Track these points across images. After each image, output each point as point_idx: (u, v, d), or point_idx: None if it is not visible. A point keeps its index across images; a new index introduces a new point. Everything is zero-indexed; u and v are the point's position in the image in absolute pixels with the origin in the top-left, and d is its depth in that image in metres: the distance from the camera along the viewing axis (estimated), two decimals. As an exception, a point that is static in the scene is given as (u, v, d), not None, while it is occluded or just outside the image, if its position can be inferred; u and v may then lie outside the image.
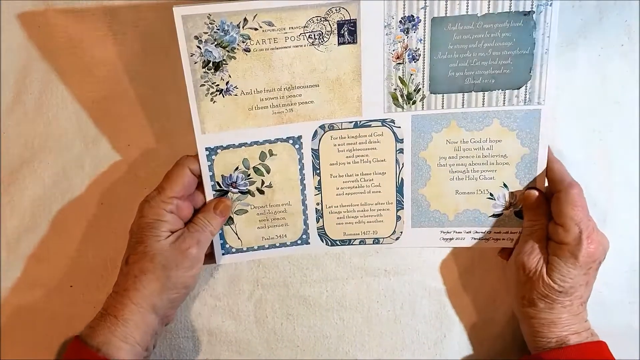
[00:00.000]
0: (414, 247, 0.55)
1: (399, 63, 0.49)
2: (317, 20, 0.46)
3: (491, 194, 0.53)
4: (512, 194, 0.53)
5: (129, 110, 0.51)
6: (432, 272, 0.56)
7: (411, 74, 0.49)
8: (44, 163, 0.52)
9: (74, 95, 0.50)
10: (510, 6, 0.47)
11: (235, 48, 0.47)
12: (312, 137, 0.51)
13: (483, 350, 0.57)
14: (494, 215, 0.54)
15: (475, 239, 0.54)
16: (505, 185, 0.52)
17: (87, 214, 0.53)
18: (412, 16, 0.47)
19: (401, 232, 0.54)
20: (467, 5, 0.47)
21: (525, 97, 0.50)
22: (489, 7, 0.47)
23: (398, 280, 0.56)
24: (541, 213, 0.50)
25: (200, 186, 0.50)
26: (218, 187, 0.51)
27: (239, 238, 0.53)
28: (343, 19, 0.47)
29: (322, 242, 0.54)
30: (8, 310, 0.54)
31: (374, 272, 0.56)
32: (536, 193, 0.51)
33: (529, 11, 0.47)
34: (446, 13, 0.47)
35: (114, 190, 0.53)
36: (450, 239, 0.54)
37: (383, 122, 0.51)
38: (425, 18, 0.47)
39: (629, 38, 0.51)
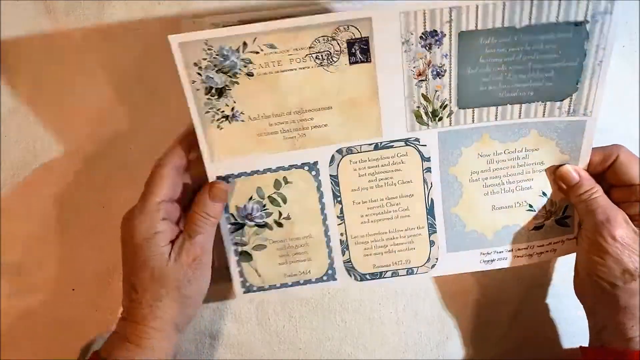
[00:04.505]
0: (451, 274, 0.50)
1: (422, 80, 0.43)
2: (323, 40, 0.41)
3: (530, 205, 0.48)
4: (551, 201, 0.48)
5: (130, 114, 0.49)
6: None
7: (436, 91, 0.44)
8: (45, 166, 0.50)
9: (75, 98, 0.48)
10: (557, 17, 0.39)
11: (237, 73, 0.43)
12: (330, 163, 0.47)
13: (486, 352, 0.57)
14: (535, 228, 0.49)
15: (518, 256, 0.50)
16: (544, 194, 0.48)
17: (89, 217, 0.52)
18: (435, 31, 0.41)
19: (437, 259, 0.50)
20: (504, 17, 0.39)
21: (570, 109, 0.44)
22: (530, 18, 0.40)
23: (400, 281, 0.53)
24: (592, 180, 0.46)
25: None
26: (233, 220, 0.48)
27: (259, 275, 0.50)
28: (353, 37, 0.41)
29: (351, 276, 0.50)
30: (9, 313, 0.54)
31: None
32: (569, 167, 0.46)
33: (581, 21, 0.39)
34: (476, 27, 0.40)
35: (115, 193, 0.51)
36: (492, 261, 0.50)
37: (407, 141, 0.46)
38: (451, 32, 0.41)
39: (630, 39, 0.48)
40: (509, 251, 0.50)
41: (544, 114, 0.44)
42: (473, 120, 0.45)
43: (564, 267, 0.53)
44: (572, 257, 0.49)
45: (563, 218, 0.49)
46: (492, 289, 0.55)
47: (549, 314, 0.57)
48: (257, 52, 0.42)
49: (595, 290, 0.45)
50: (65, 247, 0.53)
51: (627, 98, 0.50)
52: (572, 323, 0.56)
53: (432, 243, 0.49)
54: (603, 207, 0.44)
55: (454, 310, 0.56)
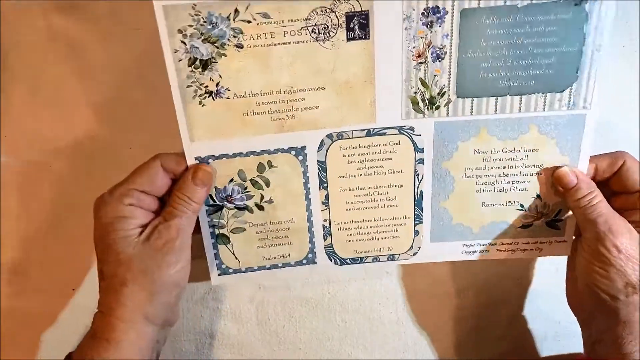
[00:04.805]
0: (432, 261, 0.49)
1: (421, 62, 0.41)
2: (321, 11, 0.39)
3: (522, 205, 0.47)
4: (545, 203, 0.46)
5: (130, 113, 0.48)
6: (434, 274, 0.54)
7: (435, 75, 0.42)
8: (45, 166, 0.49)
9: (75, 98, 0.47)
10: (558, -6, 0.38)
11: (225, 44, 0.40)
12: (319, 148, 0.44)
13: (485, 352, 0.57)
14: (523, 227, 0.47)
15: (500, 250, 0.48)
16: (538, 196, 0.46)
17: (88, 217, 0.50)
18: (438, 7, 0.39)
19: (419, 247, 0.48)
20: (506, -6, 0.38)
21: (570, 101, 0.43)
22: (532, -4, 0.39)
23: (400, 281, 0.54)
24: (591, 183, 0.43)
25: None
26: (211, 202, 0.45)
27: (236, 258, 0.47)
28: (353, 10, 0.39)
29: (331, 260, 0.48)
30: (9, 313, 0.53)
31: (375, 273, 0.54)
32: (567, 169, 0.44)
33: (581, 0, 0.39)
34: (479, 4, 0.39)
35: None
36: (473, 252, 0.48)
37: (400, 129, 0.44)
38: (453, 9, 0.39)
39: (630, 39, 0.48)
40: (492, 245, 0.48)
41: (544, 107, 0.43)
42: (471, 112, 0.43)
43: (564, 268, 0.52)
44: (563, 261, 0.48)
45: (554, 220, 0.47)
46: (491, 289, 0.55)
47: (548, 314, 0.56)
48: (249, 22, 0.39)
49: (594, 302, 0.43)
50: (65, 247, 0.52)
51: (627, 98, 0.50)
52: (572, 323, 0.54)
53: (416, 233, 0.48)
54: (605, 216, 0.42)
55: (454, 311, 0.56)
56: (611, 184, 0.45)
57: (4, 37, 0.45)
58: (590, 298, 0.43)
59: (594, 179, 0.44)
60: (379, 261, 0.48)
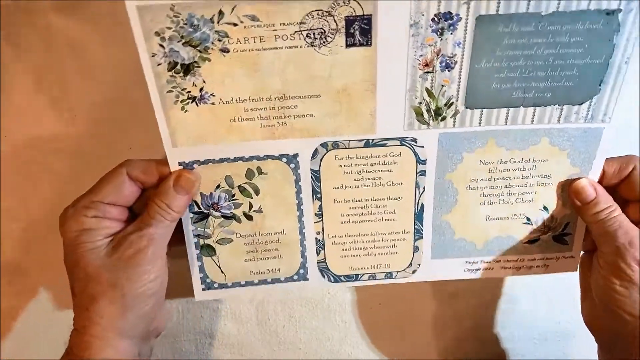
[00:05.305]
0: (432, 280, 0.46)
1: (428, 72, 0.37)
2: (317, 15, 0.34)
3: (528, 219, 0.44)
4: (552, 217, 0.43)
5: (130, 113, 0.46)
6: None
7: (443, 86, 0.37)
8: (45, 166, 0.48)
9: (75, 97, 0.46)
10: (589, 3, 0.34)
11: (209, 47, 0.35)
12: (312, 156, 0.40)
13: (485, 352, 0.57)
14: (529, 242, 0.45)
15: (505, 268, 0.46)
16: (545, 208, 0.43)
17: None
18: (450, 13, 0.35)
19: (419, 265, 0.45)
20: (529, 1, 0.34)
21: (588, 114, 0.39)
22: (558, 4, 0.34)
23: (400, 282, 0.52)
24: (609, 197, 0.41)
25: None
26: (197, 209, 0.42)
27: (222, 272, 0.44)
28: (353, 14, 0.34)
29: (324, 277, 0.45)
30: (9, 313, 0.53)
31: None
32: (586, 181, 0.41)
33: (614, 10, 0.34)
34: (498, 10, 0.34)
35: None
36: (477, 270, 0.46)
37: (402, 140, 0.40)
38: (468, 16, 0.35)
39: None
40: (497, 262, 0.45)
41: (559, 120, 0.39)
42: (480, 123, 0.39)
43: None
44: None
45: (562, 235, 0.44)
46: (491, 289, 0.55)
47: (548, 314, 0.56)
48: (236, 25, 0.34)
49: (615, 322, 0.40)
50: None
51: (627, 99, 0.46)
52: (572, 323, 0.56)
53: (416, 249, 0.45)
54: (625, 229, 0.39)
55: (454, 311, 0.55)
56: (620, 190, 0.42)
57: (4, 37, 0.44)
58: (611, 319, 0.40)
59: (600, 184, 0.42)
60: (375, 279, 0.46)
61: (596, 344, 0.44)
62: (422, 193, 0.42)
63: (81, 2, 0.43)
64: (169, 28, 0.34)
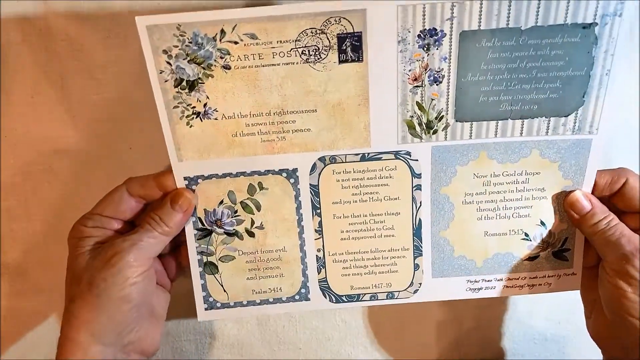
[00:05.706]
0: (435, 300, 0.46)
1: (417, 86, 0.39)
2: (311, 32, 0.37)
3: (526, 234, 0.44)
4: (550, 232, 0.44)
5: (129, 114, 0.47)
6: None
7: (432, 99, 0.39)
8: (45, 166, 0.49)
9: (75, 98, 0.47)
10: (565, 17, 0.36)
11: (212, 65, 0.38)
12: (311, 171, 0.42)
13: (485, 352, 0.57)
14: (529, 259, 0.45)
15: (507, 287, 0.46)
16: (542, 223, 0.44)
17: None
18: (435, 29, 0.37)
19: (420, 284, 0.45)
20: (508, 17, 0.36)
21: (575, 126, 0.40)
22: (537, 19, 0.36)
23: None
24: (604, 207, 0.41)
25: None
26: (200, 225, 0.43)
27: (224, 290, 0.45)
28: (345, 31, 0.37)
29: (325, 297, 0.46)
30: (9, 313, 0.53)
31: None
32: (580, 193, 0.42)
33: (590, 23, 0.36)
34: (479, 26, 0.37)
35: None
36: (479, 289, 0.46)
37: (397, 154, 0.42)
38: (451, 32, 0.37)
39: (630, 39, 0.45)
40: (499, 280, 0.45)
41: (547, 132, 0.40)
42: (471, 136, 0.41)
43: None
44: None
45: (561, 251, 0.45)
46: None
47: (548, 314, 0.55)
48: (236, 43, 0.37)
49: (626, 332, 0.39)
50: (65, 247, 0.50)
51: (627, 99, 0.47)
52: (572, 323, 0.55)
53: (416, 267, 0.45)
54: (627, 236, 0.39)
55: (454, 311, 0.55)
56: (616, 202, 0.42)
57: (4, 37, 0.44)
58: (622, 330, 0.40)
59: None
60: (377, 299, 0.46)
61: (599, 349, 0.44)
62: (419, 208, 0.43)
63: (81, 2, 0.44)
64: (176, 46, 0.37)
